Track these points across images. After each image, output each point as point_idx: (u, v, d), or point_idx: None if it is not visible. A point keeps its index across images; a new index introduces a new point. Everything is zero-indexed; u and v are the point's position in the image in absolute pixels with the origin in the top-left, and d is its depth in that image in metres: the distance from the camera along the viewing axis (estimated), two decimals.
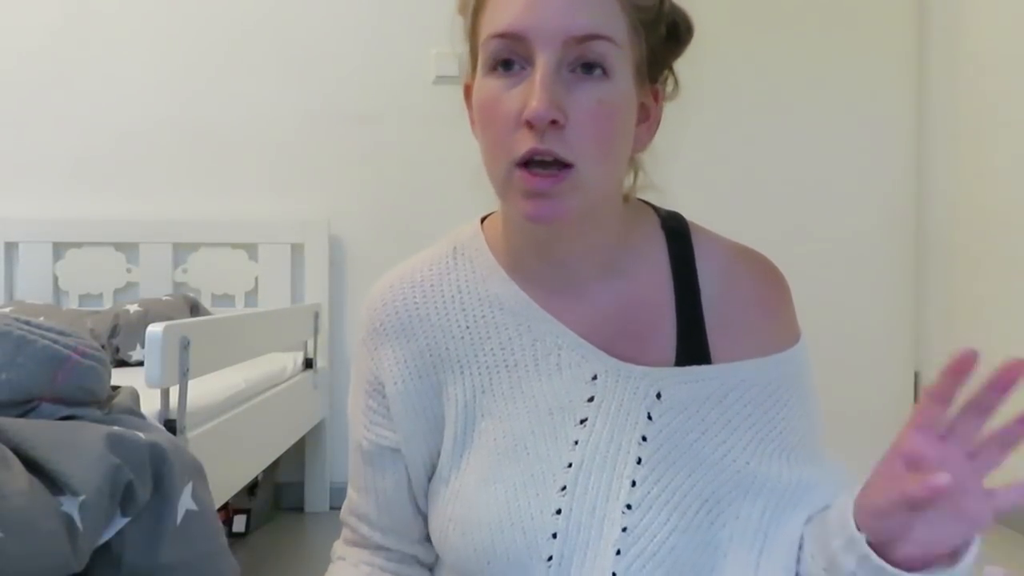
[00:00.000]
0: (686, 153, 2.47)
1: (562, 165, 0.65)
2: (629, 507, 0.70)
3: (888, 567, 0.61)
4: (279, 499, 2.61)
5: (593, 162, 0.66)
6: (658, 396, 0.72)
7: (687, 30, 0.73)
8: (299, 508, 2.60)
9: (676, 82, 0.75)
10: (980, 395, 0.57)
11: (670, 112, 0.76)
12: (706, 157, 2.61)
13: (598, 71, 0.65)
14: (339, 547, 0.85)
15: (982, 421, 0.58)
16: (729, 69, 2.60)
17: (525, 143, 0.64)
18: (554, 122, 0.63)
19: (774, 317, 0.76)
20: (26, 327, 1.12)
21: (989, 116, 2.55)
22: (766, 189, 2.68)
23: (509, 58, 0.66)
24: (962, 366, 0.57)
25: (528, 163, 0.65)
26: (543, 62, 0.64)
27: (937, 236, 2.72)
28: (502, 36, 0.66)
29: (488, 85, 0.67)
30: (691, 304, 0.74)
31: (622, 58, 0.66)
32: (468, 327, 0.76)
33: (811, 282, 2.61)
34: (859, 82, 2.67)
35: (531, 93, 0.63)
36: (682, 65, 0.75)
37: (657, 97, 0.74)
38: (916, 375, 2.73)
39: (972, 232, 2.61)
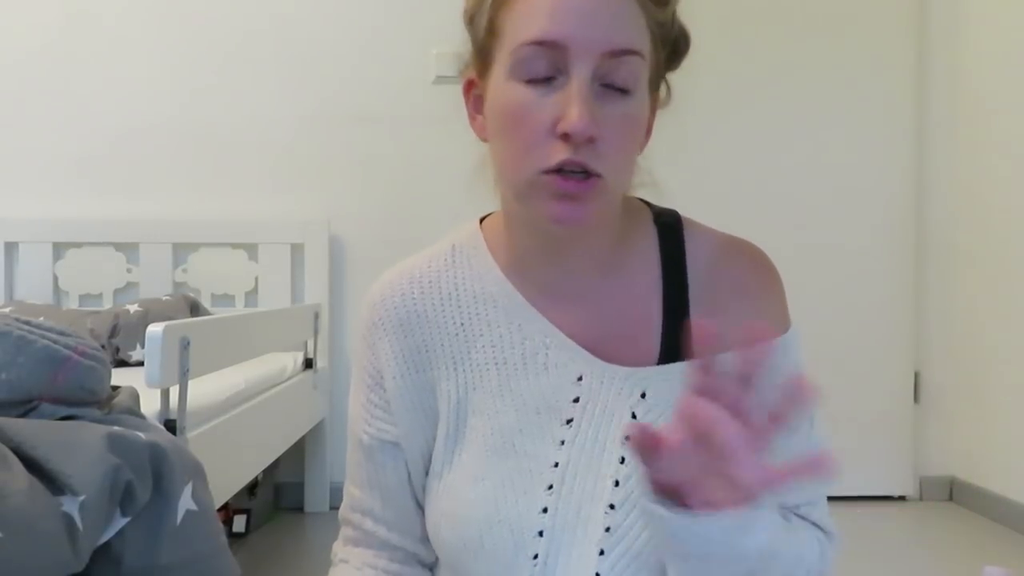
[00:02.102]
0: (685, 154, 2.47)
1: (590, 174, 0.65)
2: (612, 507, 0.70)
3: (658, 508, 0.57)
4: (279, 499, 2.61)
5: (618, 173, 0.67)
6: (643, 396, 0.72)
7: (686, 43, 0.73)
8: (299, 508, 2.60)
9: (668, 90, 0.76)
10: (739, 365, 0.54)
11: (669, 114, 0.76)
12: (705, 158, 2.61)
13: (627, 86, 0.65)
14: (340, 549, 0.84)
15: (748, 392, 0.55)
16: (727, 69, 2.60)
17: (559, 154, 0.64)
18: (590, 137, 0.64)
19: (759, 304, 0.75)
20: (26, 327, 1.12)
21: (989, 116, 2.55)
22: (766, 190, 2.68)
23: (544, 66, 0.65)
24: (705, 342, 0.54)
25: (558, 169, 0.65)
26: (580, 74, 0.64)
27: (937, 236, 2.72)
28: (539, 43, 0.64)
29: (517, 91, 0.66)
30: (678, 299, 0.74)
31: (645, 72, 0.67)
32: (462, 324, 0.77)
33: (811, 283, 2.64)
34: (859, 82, 2.67)
35: (569, 106, 0.63)
36: (681, 66, 0.76)
37: (655, 105, 0.74)
38: (916, 375, 2.73)
39: (972, 232, 2.62)
